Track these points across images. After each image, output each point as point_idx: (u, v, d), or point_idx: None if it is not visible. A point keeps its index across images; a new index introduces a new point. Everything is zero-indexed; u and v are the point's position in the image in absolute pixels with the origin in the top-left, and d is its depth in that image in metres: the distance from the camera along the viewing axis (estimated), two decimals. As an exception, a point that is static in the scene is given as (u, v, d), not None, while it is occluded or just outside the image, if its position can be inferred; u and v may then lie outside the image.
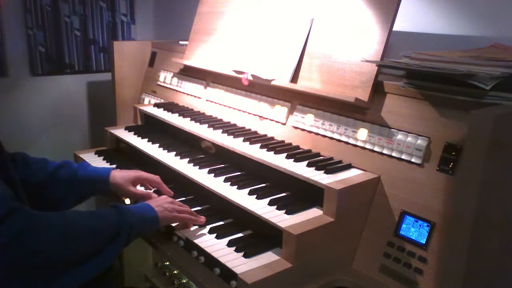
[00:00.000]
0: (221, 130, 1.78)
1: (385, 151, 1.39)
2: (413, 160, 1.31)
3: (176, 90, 2.31)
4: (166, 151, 1.81)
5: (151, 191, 1.66)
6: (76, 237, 1.15)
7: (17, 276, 1.06)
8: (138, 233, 1.32)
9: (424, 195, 1.28)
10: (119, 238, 1.23)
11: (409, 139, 1.33)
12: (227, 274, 1.22)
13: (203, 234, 1.40)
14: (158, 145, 1.87)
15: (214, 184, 1.51)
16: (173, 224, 1.43)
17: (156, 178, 1.63)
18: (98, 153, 2.06)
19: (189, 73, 2.24)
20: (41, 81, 2.86)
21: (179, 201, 1.54)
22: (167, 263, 2.13)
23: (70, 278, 1.14)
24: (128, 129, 2.11)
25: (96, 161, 1.96)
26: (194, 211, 1.50)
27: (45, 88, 2.89)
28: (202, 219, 1.44)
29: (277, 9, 1.81)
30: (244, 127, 1.85)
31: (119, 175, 1.58)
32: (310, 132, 1.62)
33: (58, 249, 1.11)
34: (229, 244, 1.33)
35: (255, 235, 1.39)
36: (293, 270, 1.22)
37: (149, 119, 2.18)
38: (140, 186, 1.67)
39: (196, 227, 1.43)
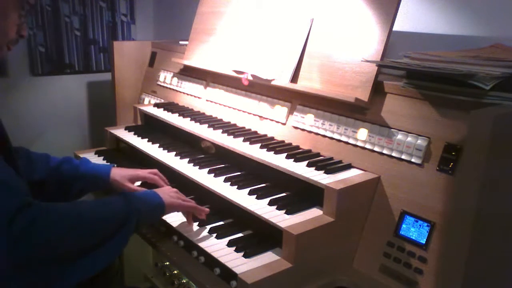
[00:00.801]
0: (221, 130, 1.78)
1: (385, 151, 1.39)
2: (413, 160, 1.31)
3: (176, 90, 2.31)
4: (166, 151, 1.81)
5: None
6: (87, 226, 1.17)
7: (30, 267, 1.06)
8: (146, 219, 1.33)
9: (424, 195, 1.28)
10: (128, 224, 1.24)
11: (409, 139, 1.33)
12: (227, 274, 1.22)
13: (203, 234, 1.40)
14: (158, 145, 1.87)
15: (214, 184, 1.51)
16: (175, 225, 1.43)
17: (152, 176, 1.63)
18: (98, 153, 2.06)
19: (189, 73, 2.24)
20: (41, 81, 2.86)
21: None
22: (167, 263, 2.13)
23: (83, 266, 1.15)
24: (128, 129, 2.11)
25: (96, 161, 1.96)
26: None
27: (45, 88, 2.89)
28: (206, 210, 1.45)
29: (277, 9, 1.81)
30: (244, 127, 1.85)
31: (118, 172, 1.61)
32: (310, 132, 1.62)
33: (70, 239, 1.12)
34: (229, 244, 1.33)
35: (255, 235, 1.39)
36: (293, 270, 1.22)
37: (149, 119, 2.18)
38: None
39: (197, 227, 1.43)
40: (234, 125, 1.88)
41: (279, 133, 1.72)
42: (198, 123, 1.88)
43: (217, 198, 1.46)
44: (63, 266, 1.12)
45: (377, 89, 1.44)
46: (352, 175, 1.40)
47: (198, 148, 1.84)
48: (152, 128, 2.13)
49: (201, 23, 2.18)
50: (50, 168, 1.54)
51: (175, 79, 2.32)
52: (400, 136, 1.36)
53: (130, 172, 1.62)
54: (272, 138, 1.72)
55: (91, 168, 1.61)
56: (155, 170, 1.65)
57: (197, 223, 1.45)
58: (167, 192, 1.40)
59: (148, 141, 1.94)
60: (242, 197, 1.42)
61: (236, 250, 1.30)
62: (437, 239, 1.23)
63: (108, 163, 1.90)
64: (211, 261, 1.28)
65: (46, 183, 1.51)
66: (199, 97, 2.15)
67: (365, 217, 1.38)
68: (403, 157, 1.34)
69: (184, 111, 2.05)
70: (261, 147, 1.59)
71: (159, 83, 2.46)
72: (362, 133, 1.45)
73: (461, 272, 1.08)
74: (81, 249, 1.15)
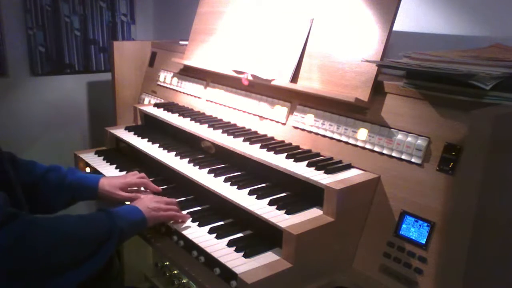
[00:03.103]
0: (221, 130, 1.78)
1: (385, 151, 1.39)
2: (413, 160, 1.31)
3: (176, 90, 2.31)
4: (166, 151, 1.81)
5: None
6: (70, 242, 1.18)
7: (13, 281, 1.06)
8: (128, 235, 1.34)
9: (424, 195, 1.28)
10: (109, 241, 1.26)
11: (409, 139, 1.33)
12: (227, 274, 1.22)
13: (203, 234, 1.39)
14: (158, 145, 1.87)
15: (214, 184, 1.51)
16: (175, 225, 1.43)
17: (141, 181, 1.62)
18: (98, 153, 2.06)
19: (189, 73, 2.24)
20: (41, 81, 2.86)
21: (179, 201, 1.54)
22: (167, 263, 2.12)
23: (65, 279, 1.16)
24: (128, 129, 2.11)
25: (96, 161, 1.96)
26: (194, 211, 1.50)
27: (45, 88, 2.89)
28: (186, 217, 1.46)
29: (277, 9, 1.81)
30: (244, 127, 1.85)
31: (107, 182, 1.58)
32: (310, 132, 1.62)
33: (54, 253, 1.13)
34: (229, 244, 1.33)
35: (255, 235, 1.39)
36: (293, 270, 1.22)
37: (149, 119, 2.18)
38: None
39: (197, 227, 1.43)
40: (234, 125, 1.88)
41: (279, 133, 1.72)
42: (198, 123, 1.88)
43: (217, 198, 1.46)
44: (44, 279, 1.12)
45: (377, 89, 1.44)
46: (352, 175, 1.40)
47: (198, 148, 1.84)
48: (152, 128, 2.13)
49: (201, 23, 2.18)
50: (35, 175, 1.52)
51: (175, 79, 2.32)
52: (400, 136, 1.36)
53: (120, 180, 1.60)
54: (272, 138, 1.72)
55: (79, 178, 1.58)
56: (143, 174, 1.64)
57: (197, 223, 1.45)
58: (147, 205, 1.41)
59: (148, 141, 1.94)
60: (242, 197, 1.41)
61: (236, 250, 1.30)
62: (437, 239, 1.23)
63: (108, 165, 1.90)
64: (211, 261, 1.28)
65: (32, 190, 1.48)
66: (199, 97, 2.15)
67: (365, 217, 1.38)
68: (403, 157, 1.34)
69: (184, 111, 2.05)
70: (261, 147, 1.59)
71: (159, 83, 2.46)
72: (362, 133, 1.45)
73: (461, 272, 1.08)
74: (64, 263, 1.16)
